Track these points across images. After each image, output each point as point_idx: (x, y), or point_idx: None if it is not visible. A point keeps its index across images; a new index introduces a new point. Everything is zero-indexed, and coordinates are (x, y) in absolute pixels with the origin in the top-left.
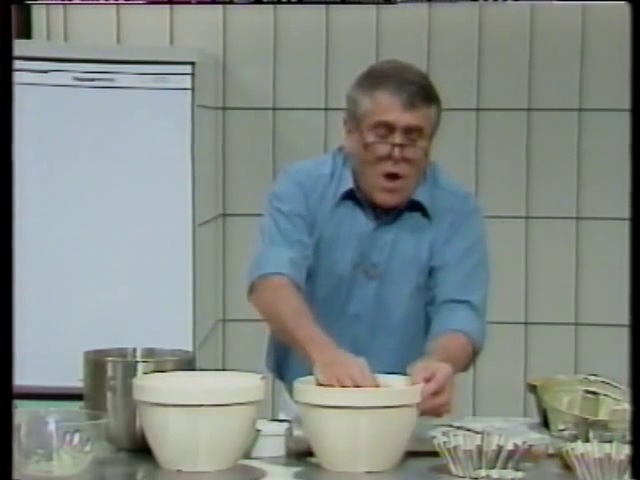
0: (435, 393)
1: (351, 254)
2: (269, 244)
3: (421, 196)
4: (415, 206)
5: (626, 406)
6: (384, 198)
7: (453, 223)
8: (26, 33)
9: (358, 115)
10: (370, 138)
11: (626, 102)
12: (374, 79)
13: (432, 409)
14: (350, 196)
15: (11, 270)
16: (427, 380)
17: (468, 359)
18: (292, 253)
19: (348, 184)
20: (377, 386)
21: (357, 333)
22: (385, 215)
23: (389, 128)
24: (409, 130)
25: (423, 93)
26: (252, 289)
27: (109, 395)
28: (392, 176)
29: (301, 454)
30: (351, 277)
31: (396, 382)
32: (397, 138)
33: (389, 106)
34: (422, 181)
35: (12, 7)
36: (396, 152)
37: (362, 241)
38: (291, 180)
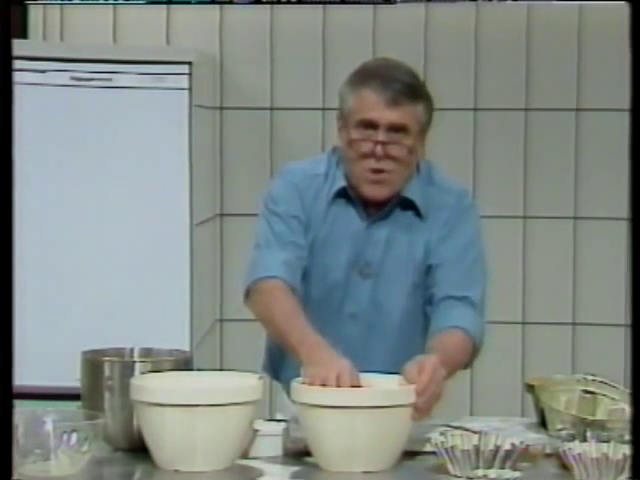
0: (418, 392)
1: (346, 253)
2: (263, 247)
3: (412, 194)
4: (407, 204)
5: (623, 406)
6: (371, 190)
7: (449, 220)
8: (22, 33)
9: (345, 112)
10: (354, 135)
11: (623, 102)
12: (361, 77)
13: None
14: (343, 194)
15: (11, 270)
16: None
17: (468, 356)
18: (286, 255)
19: (341, 182)
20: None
21: (353, 332)
22: (376, 212)
23: (373, 126)
24: (393, 128)
25: (408, 91)
26: (247, 294)
27: (106, 395)
28: (377, 170)
29: (298, 454)
30: (346, 276)
31: (385, 382)
32: (380, 136)
33: (373, 104)
34: (415, 179)
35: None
36: (378, 150)
37: (356, 239)
38: (286, 181)
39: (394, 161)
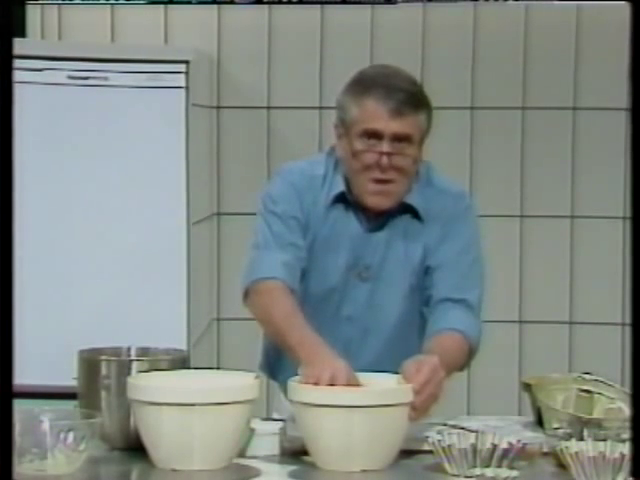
0: (415, 391)
1: (344, 256)
2: (262, 248)
3: (413, 199)
4: (407, 209)
5: (620, 404)
6: (374, 201)
7: (447, 222)
8: (21, 32)
9: (347, 122)
10: (358, 146)
11: (620, 101)
12: (362, 86)
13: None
14: (341, 199)
15: (11, 269)
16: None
17: (464, 358)
18: (285, 256)
19: (339, 187)
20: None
21: (350, 335)
22: (376, 218)
23: (377, 136)
24: (397, 138)
25: (411, 100)
26: (246, 294)
27: (103, 394)
28: (381, 181)
29: (295, 453)
30: (344, 279)
31: (383, 381)
32: (385, 146)
33: (376, 114)
34: (414, 183)
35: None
36: (384, 160)
37: (355, 243)
38: (284, 181)
39: (398, 171)
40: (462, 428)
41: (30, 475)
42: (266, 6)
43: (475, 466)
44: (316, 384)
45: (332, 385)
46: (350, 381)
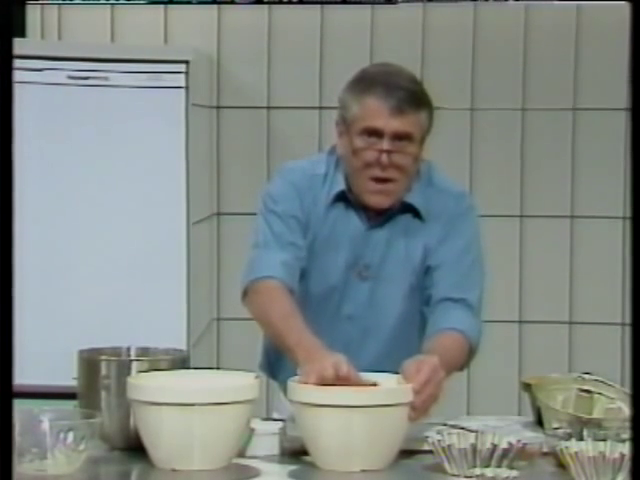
0: (415, 391)
1: (344, 255)
2: (262, 247)
3: (413, 199)
4: (407, 208)
5: (620, 404)
6: (375, 200)
7: (448, 222)
8: (21, 32)
9: (347, 119)
10: (358, 143)
11: (620, 101)
12: (363, 84)
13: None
14: (342, 198)
15: (11, 269)
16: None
17: (464, 358)
18: (285, 256)
19: (340, 186)
20: (356, 384)
21: (350, 334)
22: (377, 217)
23: (377, 134)
24: (398, 136)
25: (412, 98)
26: (245, 293)
27: (103, 394)
28: (381, 180)
29: (295, 453)
30: (344, 278)
31: (383, 381)
32: (385, 144)
33: (377, 112)
34: (415, 182)
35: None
36: (384, 158)
37: (355, 242)
38: (285, 180)
39: (398, 170)
40: (462, 428)
41: (30, 475)
42: (266, 6)
43: (475, 466)
44: (320, 378)
45: (336, 374)
46: (351, 373)
